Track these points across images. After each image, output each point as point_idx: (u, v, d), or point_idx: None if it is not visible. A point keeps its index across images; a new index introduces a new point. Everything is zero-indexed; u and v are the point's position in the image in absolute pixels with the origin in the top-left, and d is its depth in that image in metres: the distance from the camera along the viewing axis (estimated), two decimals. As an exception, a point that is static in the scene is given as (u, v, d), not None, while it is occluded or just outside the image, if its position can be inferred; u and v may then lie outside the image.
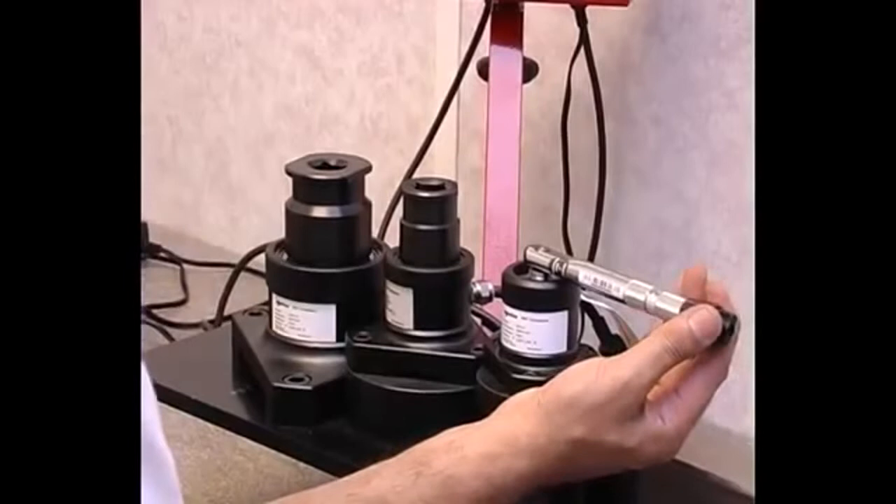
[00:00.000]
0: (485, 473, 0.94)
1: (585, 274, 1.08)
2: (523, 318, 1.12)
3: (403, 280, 1.20)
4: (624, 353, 0.97)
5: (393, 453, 0.96)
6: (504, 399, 1.02)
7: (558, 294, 1.11)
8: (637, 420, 0.94)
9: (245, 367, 1.27)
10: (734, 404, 1.56)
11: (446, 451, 0.95)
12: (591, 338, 1.20)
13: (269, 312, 1.26)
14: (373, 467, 0.95)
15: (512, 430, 0.96)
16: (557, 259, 1.10)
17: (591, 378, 0.95)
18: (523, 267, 1.13)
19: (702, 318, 0.96)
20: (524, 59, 1.48)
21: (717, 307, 0.98)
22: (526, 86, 1.49)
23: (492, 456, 0.94)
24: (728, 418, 1.57)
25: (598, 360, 0.98)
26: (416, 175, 1.59)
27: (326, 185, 1.24)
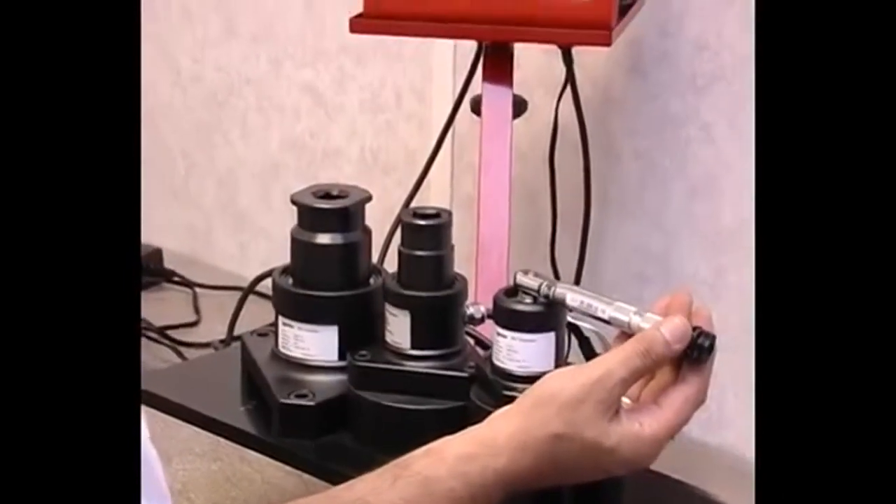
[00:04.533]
0: (461, 472, 0.92)
1: (572, 297, 1.07)
2: (513, 339, 1.11)
3: (401, 303, 1.20)
4: (598, 357, 0.97)
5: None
6: (496, 414, 1.02)
7: (546, 316, 1.11)
8: (614, 421, 0.94)
9: (253, 384, 1.27)
10: (711, 419, 1.56)
11: (425, 455, 0.94)
12: (577, 357, 1.20)
13: (276, 333, 1.26)
14: (358, 477, 0.94)
15: (491, 433, 0.95)
16: (545, 283, 1.10)
17: (567, 377, 0.95)
18: (513, 290, 1.12)
19: (672, 325, 0.96)
20: (514, 95, 1.48)
21: (697, 327, 0.97)
22: (516, 121, 1.49)
23: (469, 456, 0.93)
24: (705, 432, 1.57)
25: (574, 365, 0.99)
26: (413, 204, 1.59)
27: (329, 214, 1.24)
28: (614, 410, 0.94)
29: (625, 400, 0.97)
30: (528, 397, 0.96)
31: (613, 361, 0.95)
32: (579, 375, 0.95)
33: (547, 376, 0.97)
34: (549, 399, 0.94)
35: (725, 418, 1.58)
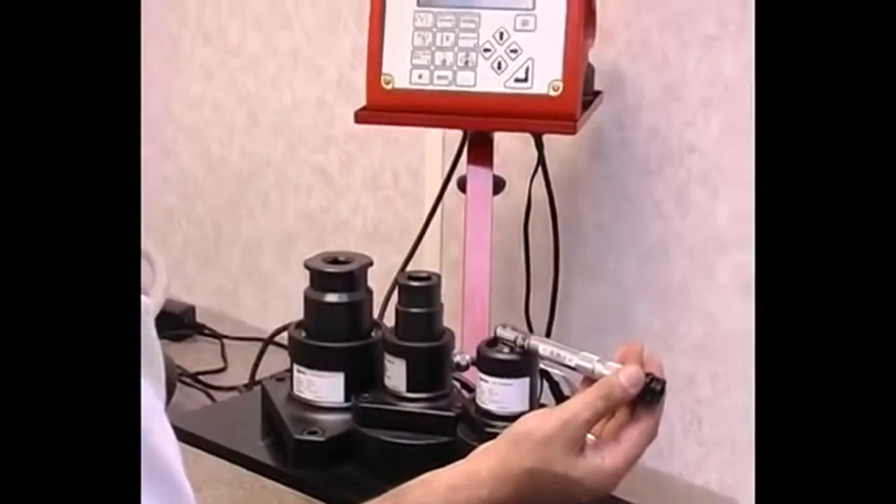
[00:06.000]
0: (451, 501, 0.93)
1: (544, 347, 1.07)
2: (494, 383, 1.11)
3: (398, 352, 1.19)
4: (566, 401, 0.98)
5: (390, 493, 0.95)
6: (479, 449, 1.01)
7: (522, 364, 1.10)
8: (581, 456, 0.94)
9: (271, 422, 1.26)
10: (661, 451, 1.55)
11: (419, 485, 0.94)
12: (548, 398, 1.19)
13: (291, 378, 1.25)
14: None
15: (475, 466, 0.95)
16: (521, 335, 1.09)
17: (540, 418, 0.95)
18: (494, 341, 1.12)
19: (628, 373, 0.97)
20: (494, 176, 1.49)
21: (650, 374, 0.97)
22: (495, 197, 1.49)
23: (456, 487, 0.94)
24: (657, 462, 1.56)
25: (547, 407, 0.99)
26: (408, 268, 1.58)
27: (337, 277, 1.24)
28: (580, 447, 0.94)
29: (589, 436, 0.97)
30: (506, 435, 0.96)
31: (579, 405, 0.95)
32: (550, 417, 0.95)
33: (522, 418, 0.97)
34: (525, 437, 0.94)
35: (674, 450, 1.57)
